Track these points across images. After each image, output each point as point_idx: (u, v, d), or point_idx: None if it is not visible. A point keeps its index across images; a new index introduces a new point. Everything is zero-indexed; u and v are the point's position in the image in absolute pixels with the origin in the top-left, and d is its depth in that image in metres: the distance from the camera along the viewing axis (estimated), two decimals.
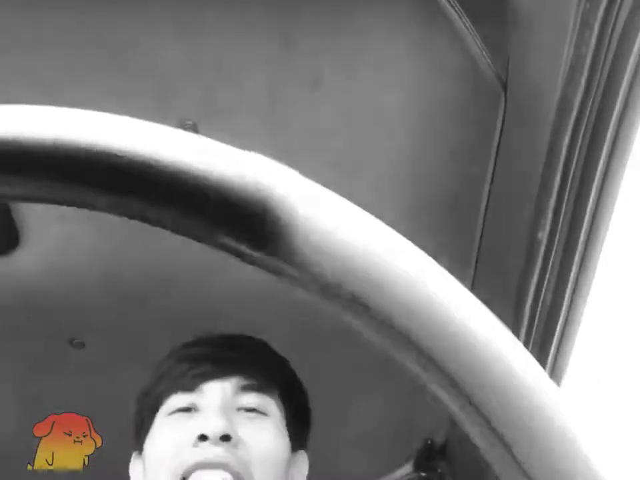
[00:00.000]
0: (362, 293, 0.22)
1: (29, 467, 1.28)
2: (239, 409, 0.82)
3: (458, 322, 0.22)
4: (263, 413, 0.83)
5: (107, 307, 1.17)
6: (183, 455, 0.78)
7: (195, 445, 0.78)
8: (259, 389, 0.84)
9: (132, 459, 0.89)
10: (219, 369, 0.84)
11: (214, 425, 0.78)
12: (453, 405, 0.23)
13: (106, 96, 0.92)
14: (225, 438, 0.77)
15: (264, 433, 0.82)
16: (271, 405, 0.85)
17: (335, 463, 1.00)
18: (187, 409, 0.82)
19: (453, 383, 0.22)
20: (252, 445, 0.79)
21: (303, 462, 0.88)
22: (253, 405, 0.83)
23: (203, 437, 0.77)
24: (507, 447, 0.22)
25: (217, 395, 0.82)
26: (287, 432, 0.85)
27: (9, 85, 0.90)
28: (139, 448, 0.87)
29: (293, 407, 0.88)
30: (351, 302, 0.22)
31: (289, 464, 0.84)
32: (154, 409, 0.85)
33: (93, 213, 0.22)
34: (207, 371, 0.83)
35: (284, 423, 0.86)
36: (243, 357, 0.87)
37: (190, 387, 0.83)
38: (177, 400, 0.83)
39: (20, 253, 1.10)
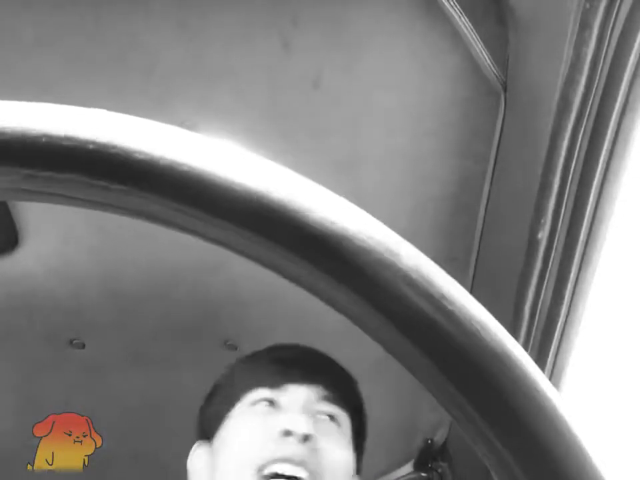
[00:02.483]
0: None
1: (29, 466, 1.28)
2: (318, 415, 0.87)
3: (452, 322, 0.22)
4: (338, 424, 0.88)
5: (106, 307, 1.17)
6: (264, 447, 0.81)
7: (277, 440, 0.81)
8: (337, 401, 0.89)
9: (194, 449, 0.92)
10: (306, 375, 0.89)
11: (300, 423, 0.81)
12: (452, 409, 0.23)
13: (106, 96, 0.92)
14: (307, 438, 0.81)
15: (338, 442, 0.86)
16: (344, 417, 0.89)
17: None
18: (270, 402, 0.86)
19: (451, 387, 0.22)
20: (327, 451, 0.83)
21: None
22: (331, 413, 0.88)
23: (287, 433, 0.81)
24: (505, 449, 0.22)
25: (301, 397, 0.87)
26: (353, 448, 0.89)
27: (10, 84, 0.90)
28: (206, 437, 0.91)
29: (358, 426, 0.93)
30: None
31: None
32: (233, 401, 0.89)
33: (93, 213, 0.22)
34: (294, 373, 0.89)
35: (351, 438, 0.90)
36: (326, 368, 0.92)
37: (275, 385, 0.88)
38: (261, 393, 0.88)
39: (20, 253, 1.10)
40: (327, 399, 0.88)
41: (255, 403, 0.87)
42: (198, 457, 0.91)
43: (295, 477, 0.78)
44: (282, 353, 0.93)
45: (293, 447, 0.80)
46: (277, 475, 0.78)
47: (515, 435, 0.22)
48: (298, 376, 0.89)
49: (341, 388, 0.92)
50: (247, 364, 0.94)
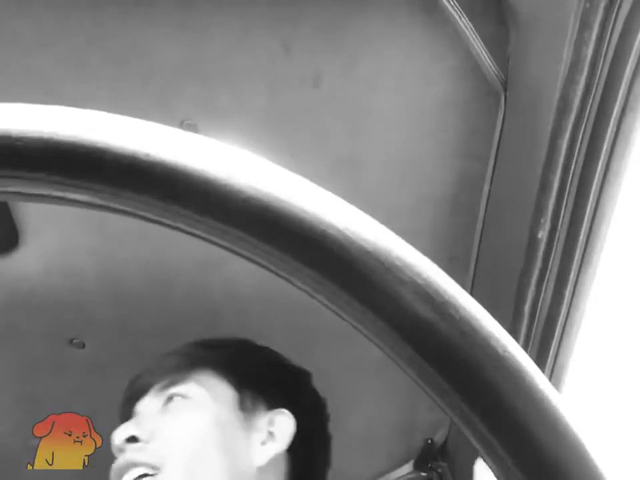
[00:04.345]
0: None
1: (29, 466, 1.28)
2: (167, 403, 0.91)
3: (451, 323, 0.22)
4: (185, 396, 0.90)
5: (106, 307, 1.17)
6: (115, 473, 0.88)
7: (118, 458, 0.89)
8: (167, 384, 0.92)
9: None
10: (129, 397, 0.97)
11: (115, 436, 0.88)
12: (451, 411, 0.23)
13: (106, 96, 0.92)
14: (129, 440, 0.87)
15: (183, 414, 0.88)
16: (186, 388, 0.91)
17: (335, 462, 1.00)
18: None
19: (449, 389, 0.22)
20: (165, 432, 0.87)
21: None
22: (171, 394, 0.91)
23: (115, 448, 0.88)
24: (504, 450, 0.22)
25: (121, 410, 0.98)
26: (234, 388, 0.92)
27: (9, 85, 0.90)
28: None
29: (225, 365, 0.95)
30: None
31: None
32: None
33: (93, 213, 0.22)
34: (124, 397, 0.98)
35: (211, 395, 0.90)
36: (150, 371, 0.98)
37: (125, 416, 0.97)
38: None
39: (20, 253, 1.10)
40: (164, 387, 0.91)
41: None
42: None
43: (141, 476, 0.80)
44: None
45: (123, 455, 0.83)
46: None
47: (515, 436, 0.22)
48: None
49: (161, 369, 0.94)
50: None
